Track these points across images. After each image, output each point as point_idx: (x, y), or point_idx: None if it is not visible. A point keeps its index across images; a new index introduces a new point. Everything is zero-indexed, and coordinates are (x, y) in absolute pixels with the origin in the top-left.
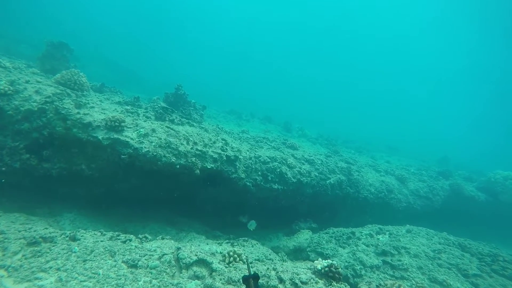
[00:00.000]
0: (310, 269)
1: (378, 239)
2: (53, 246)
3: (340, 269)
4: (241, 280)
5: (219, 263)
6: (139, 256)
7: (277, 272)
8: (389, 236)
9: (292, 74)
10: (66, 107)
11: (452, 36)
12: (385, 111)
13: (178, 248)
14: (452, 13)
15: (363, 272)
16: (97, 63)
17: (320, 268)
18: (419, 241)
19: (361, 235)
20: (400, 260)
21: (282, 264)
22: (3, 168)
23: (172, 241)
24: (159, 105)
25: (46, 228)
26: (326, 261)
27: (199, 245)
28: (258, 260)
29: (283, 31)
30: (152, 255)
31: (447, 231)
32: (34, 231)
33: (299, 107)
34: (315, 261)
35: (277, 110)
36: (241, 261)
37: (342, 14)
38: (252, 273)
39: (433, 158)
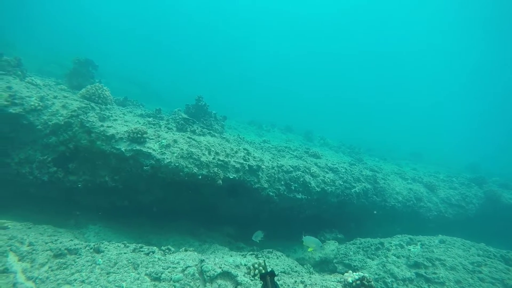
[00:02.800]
0: (340, 282)
1: (409, 250)
2: (77, 258)
3: (372, 282)
4: None
5: (244, 275)
6: (162, 268)
7: (305, 285)
8: (421, 247)
9: (309, 83)
10: (91, 120)
11: (460, 38)
12: (403, 117)
13: (202, 260)
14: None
15: (394, 285)
16: (120, 79)
17: (351, 281)
18: (455, 253)
19: (391, 245)
20: (435, 273)
21: (310, 277)
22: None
23: (196, 253)
24: (180, 117)
25: (72, 240)
26: (358, 273)
27: (222, 257)
28: (284, 272)
29: (296, 41)
30: (176, 267)
31: (483, 242)
32: (60, 243)
33: (318, 117)
34: (345, 274)
35: (296, 120)
36: None
37: (353, 18)
38: (269, 270)
39: (460, 165)
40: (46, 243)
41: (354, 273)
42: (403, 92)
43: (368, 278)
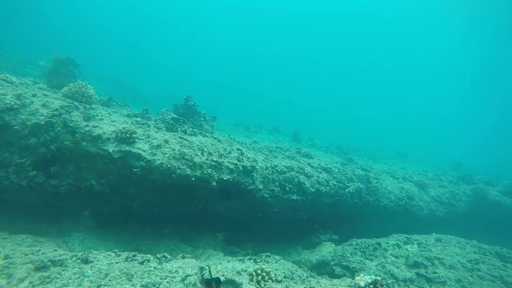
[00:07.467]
0: (351, 286)
1: (407, 249)
2: (63, 270)
3: (385, 285)
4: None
5: (249, 283)
6: (160, 278)
7: None
8: (418, 246)
9: (293, 86)
10: (74, 120)
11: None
12: (384, 119)
13: (202, 268)
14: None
15: (396, 286)
16: (101, 80)
17: (363, 286)
18: (452, 251)
19: (388, 245)
20: (435, 272)
21: (318, 282)
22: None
23: (194, 260)
24: (170, 116)
25: (55, 250)
26: (370, 276)
27: (220, 263)
28: (286, 277)
29: (280, 43)
30: (174, 277)
31: (471, 239)
32: (42, 254)
33: (303, 118)
34: (356, 278)
35: (281, 122)
36: (270, 280)
37: (337, 18)
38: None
39: (445, 163)
40: (26, 254)
41: (366, 277)
42: (383, 96)
43: (381, 281)
